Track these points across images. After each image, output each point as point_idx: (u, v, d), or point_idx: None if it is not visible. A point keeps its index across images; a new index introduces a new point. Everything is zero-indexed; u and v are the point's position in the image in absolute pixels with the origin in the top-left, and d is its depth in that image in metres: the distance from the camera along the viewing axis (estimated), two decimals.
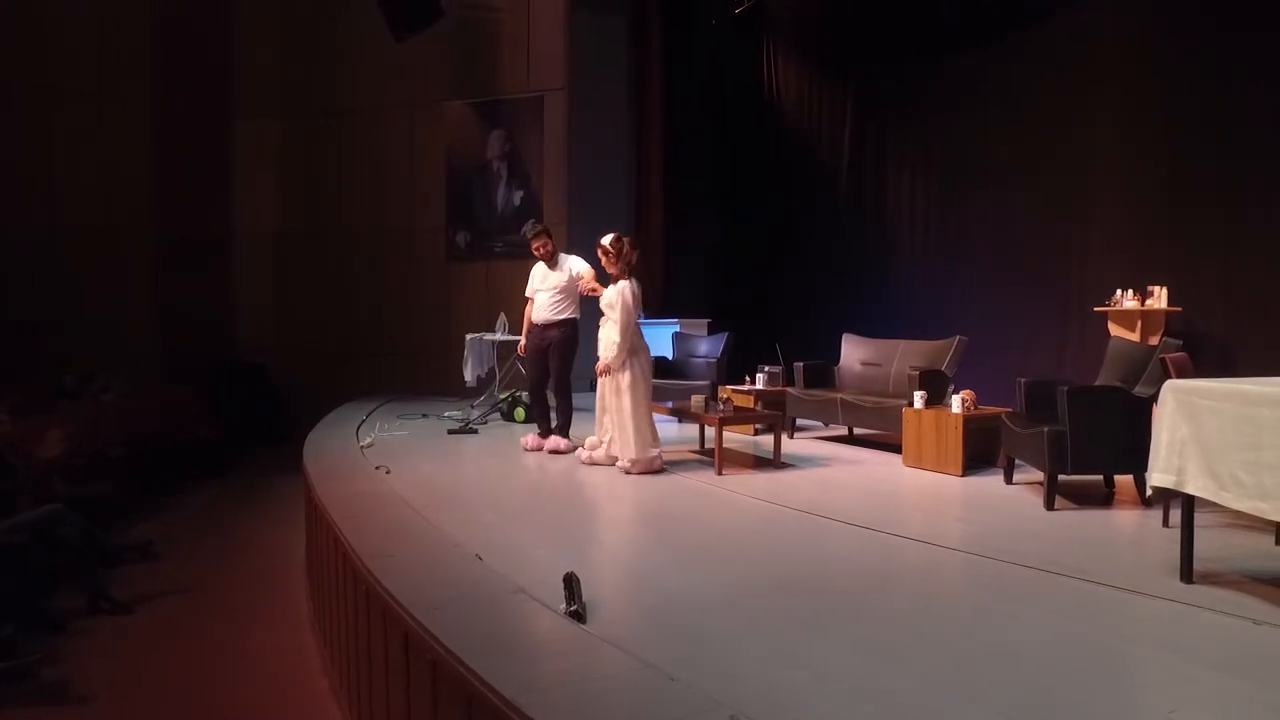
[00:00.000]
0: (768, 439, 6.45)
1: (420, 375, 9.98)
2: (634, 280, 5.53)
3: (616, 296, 5.46)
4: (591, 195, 10.07)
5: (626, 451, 5.32)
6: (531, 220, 6.95)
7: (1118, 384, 4.51)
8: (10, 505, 4.70)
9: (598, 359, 5.54)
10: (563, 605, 2.76)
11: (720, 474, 5.29)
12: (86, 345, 9.49)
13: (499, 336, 8.29)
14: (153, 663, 4.25)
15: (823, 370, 7.07)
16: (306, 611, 4.94)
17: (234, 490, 8.35)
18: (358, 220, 10.95)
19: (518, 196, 10.34)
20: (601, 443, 5.59)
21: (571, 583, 2.84)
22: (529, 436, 6.27)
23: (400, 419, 7.60)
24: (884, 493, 5.06)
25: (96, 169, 10.01)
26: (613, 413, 5.43)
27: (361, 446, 6.16)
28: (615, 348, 5.37)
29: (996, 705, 2.24)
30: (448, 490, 4.93)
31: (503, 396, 7.86)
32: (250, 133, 11.45)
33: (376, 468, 5.30)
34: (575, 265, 6.33)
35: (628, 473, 5.30)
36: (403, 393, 9.45)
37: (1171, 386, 3.20)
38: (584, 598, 2.81)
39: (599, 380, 5.57)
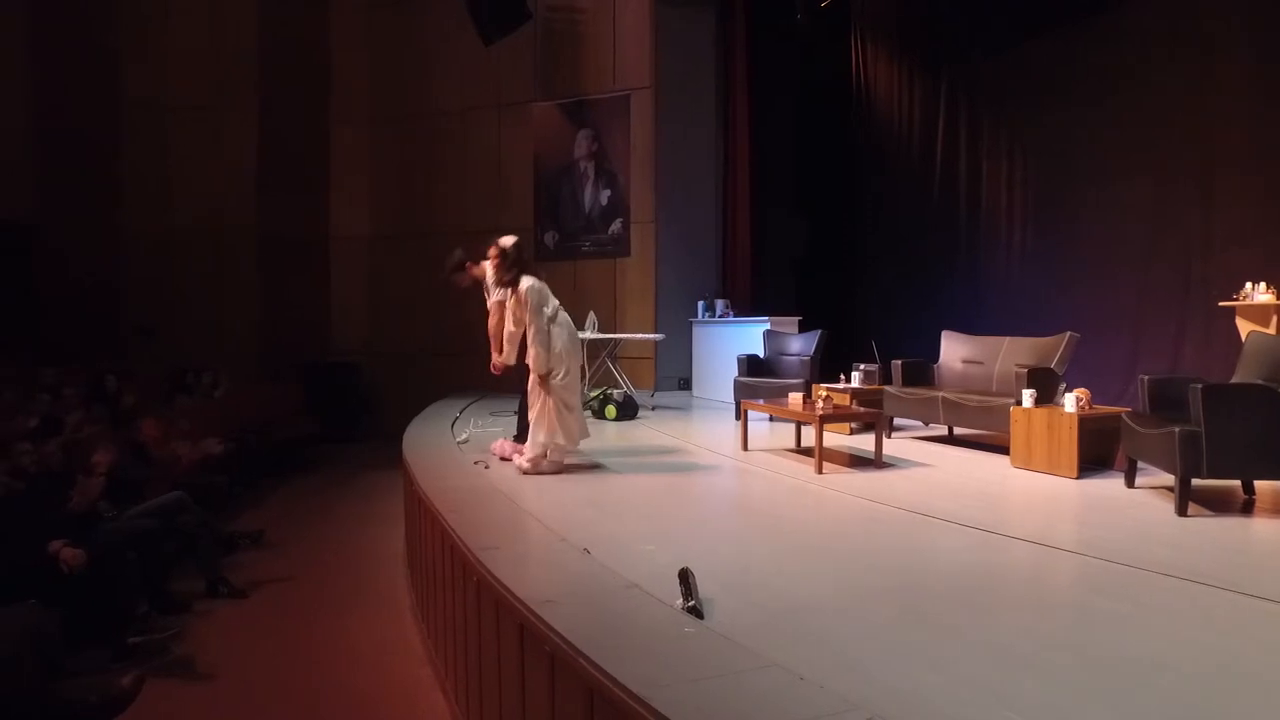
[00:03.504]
0: (863, 439, 6.27)
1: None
2: (524, 280, 5.07)
3: (515, 306, 5.11)
4: (678, 194, 10.04)
5: (554, 439, 5.02)
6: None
7: (1261, 382, 4.19)
8: (141, 493, 4.96)
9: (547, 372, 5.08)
10: (679, 601, 2.71)
11: (820, 472, 5.16)
12: (190, 343, 9.98)
13: (589, 335, 8.31)
14: (267, 646, 4.40)
15: (921, 368, 6.83)
16: (408, 602, 5.03)
17: (329, 484, 8.63)
18: (446, 221, 11.17)
19: (605, 196, 10.39)
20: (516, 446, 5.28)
21: (688, 578, 2.78)
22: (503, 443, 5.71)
23: (493, 415, 7.69)
24: (995, 494, 4.84)
25: (208, 175, 10.54)
26: (550, 406, 5.04)
27: (458, 442, 6.24)
28: (541, 355, 5.02)
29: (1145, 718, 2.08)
30: (545, 485, 4.94)
31: (593, 394, 7.88)
32: (344, 137, 11.85)
33: (475, 462, 5.36)
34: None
35: (527, 471, 5.02)
36: (491, 391, 9.56)
37: None
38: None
39: (534, 380, 5.15)
